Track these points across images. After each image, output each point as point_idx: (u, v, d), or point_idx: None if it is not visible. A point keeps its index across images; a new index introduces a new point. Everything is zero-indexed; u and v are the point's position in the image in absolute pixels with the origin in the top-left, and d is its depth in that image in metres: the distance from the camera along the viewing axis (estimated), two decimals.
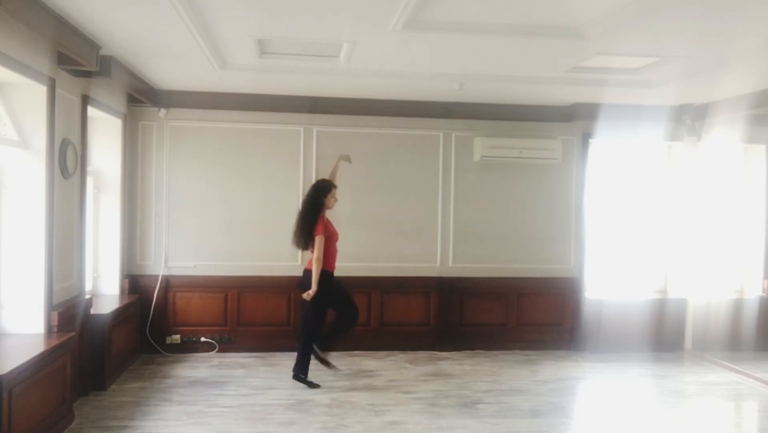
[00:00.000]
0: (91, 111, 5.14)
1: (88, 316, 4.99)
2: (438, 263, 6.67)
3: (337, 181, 5.50)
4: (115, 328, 5.32)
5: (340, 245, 6.45)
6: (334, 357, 6.24)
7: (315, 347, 5.36)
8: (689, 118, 6.50)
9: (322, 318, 5.32)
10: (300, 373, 5.34)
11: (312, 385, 5.30)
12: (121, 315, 5.50)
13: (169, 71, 5.41)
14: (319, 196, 5.29)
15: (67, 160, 4.51)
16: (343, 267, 6.43)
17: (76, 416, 4.41)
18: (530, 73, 5.21)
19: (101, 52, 4.50)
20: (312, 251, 5.24)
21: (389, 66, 5.04)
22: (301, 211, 5.39)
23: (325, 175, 5.72)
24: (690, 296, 6.87)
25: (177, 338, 6.30)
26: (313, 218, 5.22)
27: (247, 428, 4.37)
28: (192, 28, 3.94)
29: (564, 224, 6.83)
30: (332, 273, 5.32)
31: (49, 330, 4.26)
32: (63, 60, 4.21)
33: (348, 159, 5.76)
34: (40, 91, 4.16)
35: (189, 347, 6.31)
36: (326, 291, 5.22)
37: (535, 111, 6.63)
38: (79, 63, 4.23)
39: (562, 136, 6.75)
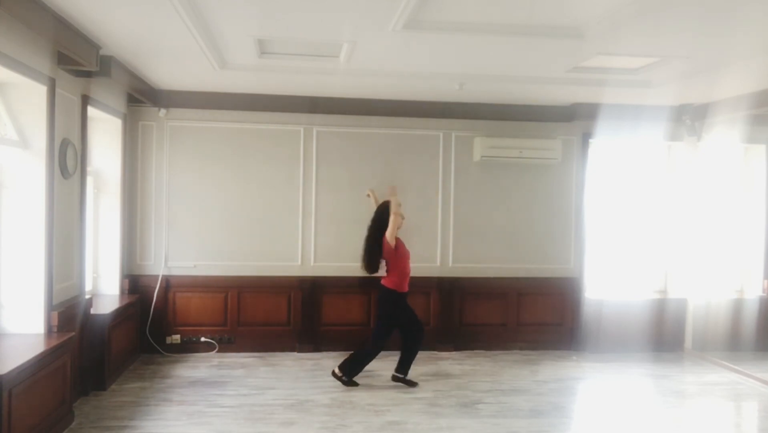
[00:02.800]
0: (91, 111, 5.15)
1: (88, 316, 4.99)
2: (438, 263, 6.67)
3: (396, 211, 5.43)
4: (115, 328, 5.32)
5: (341, 245, 6.49)
6: (333, 357, 6.27)
7: (399, 375, 5.46)
8: (689, 118, 6.50)
9: (388, 335, 5.35)
10: (399, 373, 5.43)
11: (410, 383, 5.41)
12: (121, 315, 5.50)
13: (169, 71, 5.41)
14: (384, 215, 5.38)
15: (67, 160, 4.52)
16: (342, 267, 6.48)
17: (76, 416, 4.41)
18: (530, 73, 5.21)
19: (101, 52, 4.50)
20: (386, 270, 5.39)
21: (389, 66, 5.04)
22: (367, 235, 5.46)
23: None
24: (690, 296, 6.87)
25: (177, 338, 6.30)
26: (380, 237, 5.36)
27: (247, 428, 4.37)
28: (192, 28, 3.94)
29: (564, 224, 6.83)
30: (405, 294, 5.35)
31: (49, 330, 4.26)
32: (63, 60, 4.21)
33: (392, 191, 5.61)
34: (40, 91, 4.16)
35: (189, 347, 6.31)
36: (399, 310, 5.31)
37: (535, 111, 6.63)
38: (79, 63, 4.23)
39: (562, 136, 6.75)
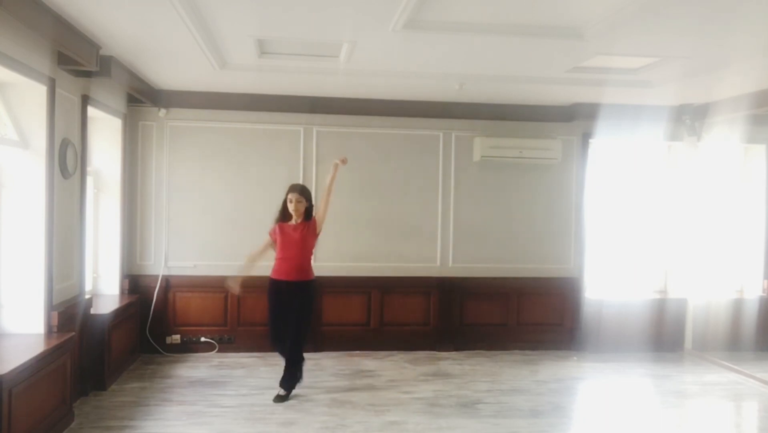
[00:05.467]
0: (91, 111, 5.15)
1: (88, 316, 4.99)
2: (438, 263, 6.67)
3: (334, 187, 5.06)
4: (115, 328, 5.32)
5: (341, 245, 6.49)
6: (333, 357, 6.27)
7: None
8: (689, 118, 6.50)
9: (270, 323, 5.06)
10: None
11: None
12: (121, 315, 5.50)
13: (169, 71, 5.41)
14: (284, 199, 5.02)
15: (67, 160, 4.52)
16: (343, 267, 6.49)
17: (76, 416, 4.41)
18: (530, 73, 5.21)
19: (101, 52, 4.50)
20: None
21: (389, 66, 5.04)
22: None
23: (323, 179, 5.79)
24: (690, 296, 6.87)
25: (177, 338, 6.30)
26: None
27: (247, 428, 4.37)
28: (192, 28, 3.94)
29: (564, 224, 6.83)
30: (276, 280, 4.97)
31: (49, 330, 4.26)
32: (63, 60, 4.21)
33: (344, 162, 5.10)
34: (40, 91, 4.16)
35: (189, 347, 6.31)
36: (268, 299, 5.02)
37: (535, 111, 6.63)
38: (79, 63, 4.23)
39: (562, 136, 6.75)
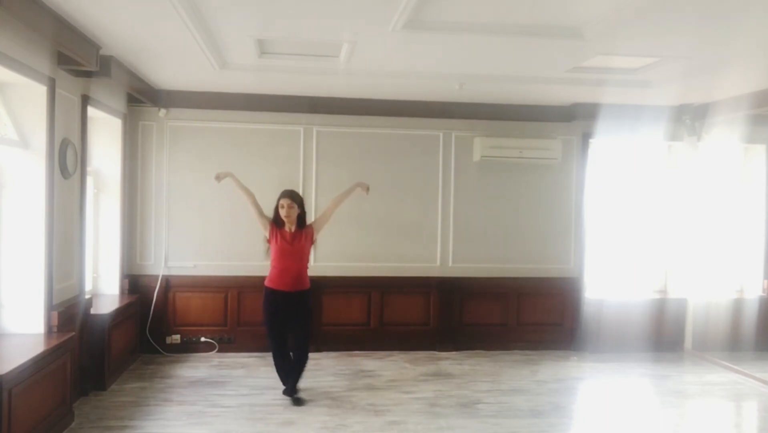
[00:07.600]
0: (91, 111, 5.15)
1: (88, 316, 5.00)
2: (438, 263, 6.67)
3: (342, 204, 5.24)
4: (115, 328, 5.32)
5: (342, 245, 6.49)
6: (333, 357, 6.28)
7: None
8: (689, 118, 6.50)
9: (268, 333, 4.97)
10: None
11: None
12: (121, 315, 5.50)
13: (169, 71, 5.41)
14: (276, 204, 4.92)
15: (67, 160, 4.52)
16: (344, 267, 6.49)
17: (76, 416, 4.41)
18: (530, 73, 5.21)
19: (101, 52, 4.50)
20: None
21: (389, 66, 5.04)
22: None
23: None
24: (690, 296, 6.87)
25: (177, 338, 6.30)
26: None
27: (247, 428, 4.38)
28: (192, 29, 3.94)
29: (564, 224, 6.83)
30: (273, 290, 4.87)
31: (49, 330, 4.26)
32: (63, 60, 4.21)
33: (366, 189, 5.31)
34: (40, 91, 4.16)
35: (189, 347, 6.31)
36: (265, 308, 4.91)
37: (535, 111, 6.63)
38: (79, 63, 4.23)
39: (562, 136, 6.75)
